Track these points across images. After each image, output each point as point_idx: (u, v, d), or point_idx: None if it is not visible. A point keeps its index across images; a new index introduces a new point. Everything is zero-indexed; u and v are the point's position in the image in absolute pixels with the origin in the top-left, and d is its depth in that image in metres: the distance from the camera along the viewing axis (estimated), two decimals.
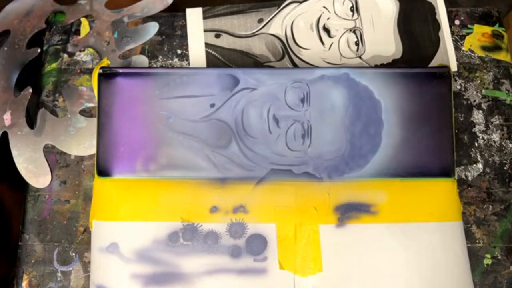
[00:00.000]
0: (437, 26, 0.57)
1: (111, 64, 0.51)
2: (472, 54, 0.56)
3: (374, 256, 0.45)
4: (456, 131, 0.53)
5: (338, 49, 0.55)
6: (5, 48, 0.55)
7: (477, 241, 0.50)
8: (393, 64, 0.55)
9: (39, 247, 0.50)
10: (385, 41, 0.56)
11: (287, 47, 0.56)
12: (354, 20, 0.56)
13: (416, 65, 0.55)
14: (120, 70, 0.48)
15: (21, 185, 0.52)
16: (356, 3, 0.57)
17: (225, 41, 0.56)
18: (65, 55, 0.56)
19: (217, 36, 0.56)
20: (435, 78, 0.47)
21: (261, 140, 0.47)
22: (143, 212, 0.46)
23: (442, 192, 0.46)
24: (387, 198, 0.46)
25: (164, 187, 0.46)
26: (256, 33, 0.56)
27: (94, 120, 0.52)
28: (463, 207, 0.50)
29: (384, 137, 0.47)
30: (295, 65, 0.55)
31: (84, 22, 0.57)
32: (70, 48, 0.56)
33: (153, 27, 0.56)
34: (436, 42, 0.56)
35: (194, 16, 0.57)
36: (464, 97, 0.54)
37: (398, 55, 0.55)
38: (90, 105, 0.54)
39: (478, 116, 0.54)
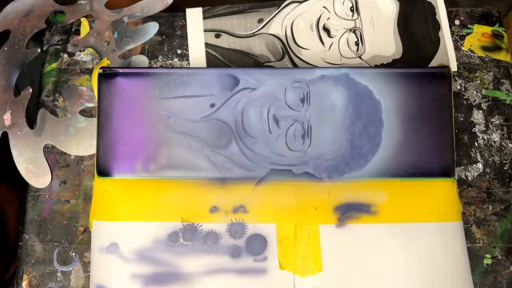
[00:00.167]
0: (437, 26, 0.57)
1: (111, 64, 0.51)
2: (472, 54, 0.56)
3: (374, 256, 0.45)
4: (456, 131, 0.53)
5: (338, 49, 0.55)
6: (5, 48, 0.55)
7: (477, 241, 0.50)
8: (393, 64, 0.55)
9: (39, 247, 0.50)
10: (385, 41, 0.56)
11: (287, 47, 0.56)
12: (354, 20, 0.56)
13: (416, 65, 0.55)
14: (120, 70, 0.48)
15: (21, 185, 0.52)
16: (356, 3, 0.57)
17: (225, 41, 0.56)
18: (65, 55, 0.56)
19: (217, 36, 0.56)
20: (435, 78, 0.47)
21: (261, 140, 0.47)
22: (143, 212, 0.46)
23: (442, 192, 0.46)
24: (387, 198, 0.46)
25: (164, 187, 0.46)
26: (256, 33, 0.56)
27: (94, 120, 0.52)
28: (463, 207, 0.50)
29: (384, 137, 0.47)
30: (295, 65, 0.55)
31: (84, 22, 0.57)
32: (70, 48, 0.56)
33: (153, 27, 0.56)
34: (436, 42, 0.56)
35: (194, 16, 0.57)
36: (464, 97, 0.54)
37: (398, 55, 0.55)
38: (90, 105, 0.54)
39: (478, 116, 0.54)
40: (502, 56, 0.55)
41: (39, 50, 0.55)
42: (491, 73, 0.55)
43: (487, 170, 0.52)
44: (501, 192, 0.52)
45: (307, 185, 0.46)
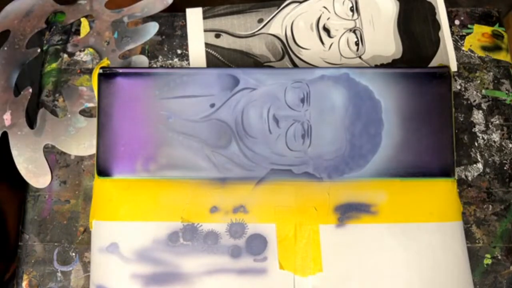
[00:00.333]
0: (437, 26, 0.57)
1: (111, 64, 0.51)
2: (472, 54, 0.56)
3: (374, 256, 0.45)
4: (456, 131, 0.53)
5: (338, 49, 0.55)
6: (5, 48, 0.55)
7: (477, 241, 0.50)
8: (393, 64, 0.55)
9: (39, 247, 0.50)
10: (385, 41, 0.56)
11: (287, 47, 0.56)
12: (354, 20, 0.56)
13: (416, 65, 0.55)
14: (120, 70, 0.48)
15: (21, 185, 0.52)
16: (356, 3, 0.57)
17: (225, 41, 0.56)
18: (65, 55, 0.56)
19: (217, 36, 0.56)
20: (435, 78, 0.47)
21: (261, 140, 0.47)
22: (143, 212, 0.46)
23: (442, 192, 0.46)
24: (387, 198, 0.46)
25: (164, 187, 0.46)
26: (256, 33, 0.56)
27: (94, 120, 0.52)
28: (463, 207, 0.50)
29: (384, 137, 0.47)
30: (295, 65, 0.55)
31: (84, 22, 0.57)
32: (70, 48, 0.56)
33: (153, 27, 0.56)
34: (436, 42, 0.56)
35: (194, 16, 0.57)
36: (464, 97, 0.54)
37: (398, 55, 0.55)
38: (90, 105, 0.54)
39: (478, 116, 0.54)
40: (502, 56, 0.55)
41: (39, 50, 0.55)
42: (491, 73, 0.55)
43: (487, 170, 0.52)
44: (501, 192, 0.52)
45: (307, 185, 0.46)
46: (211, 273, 0.45)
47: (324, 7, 0.57)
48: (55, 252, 0.50)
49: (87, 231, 0.51)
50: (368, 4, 0.57)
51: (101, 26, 0.57)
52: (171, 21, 0.57)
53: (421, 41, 0.56)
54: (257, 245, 0.45)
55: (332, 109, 0.47)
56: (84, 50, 0.56)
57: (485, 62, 0.55)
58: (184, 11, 0.57)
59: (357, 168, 0.46)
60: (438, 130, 0.47)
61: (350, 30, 0.56)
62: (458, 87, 0.54)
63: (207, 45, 0.56)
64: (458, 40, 0.56)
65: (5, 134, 0.52)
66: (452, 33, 0.56)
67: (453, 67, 0.55)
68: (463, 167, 0.52)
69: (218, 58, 0.55)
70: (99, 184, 0.47)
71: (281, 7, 0.57)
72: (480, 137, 0.53)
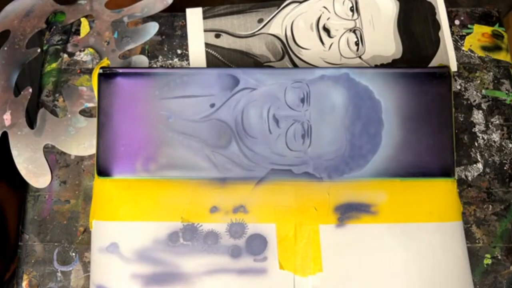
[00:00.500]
0: (437, 26, 0.57)
1: (111, 64, 0.51)
2: (472, 54, 0.56)
3: (374, 256, 0.45)
4: (456, 131, 0.53)
5: (338, 49, 0.55)
6: (5, 48, 0.55)
7: (477, 241, 0.50)
8: (393, 64, 0.55)
9: (39, 247, 0.50)
10: (385, 41, 0.56)
11: (287, 47, 0.56)
12: (354, 20, 0.56)
13: (416, 65, 0.55)
14: (120, 70, 0.48)
15: (21, 185, 0.52)
16: (356, 3, 0.57)
17: (225, 41, 0.56)
18: (65, 55, 0.56)
19: (217, 36, 0.56)
20: (435, 78, 0.47)
21: (261, 140, 0.47)
22: (143, 212, 0.46)
23: (442, 192, 0.46)
24: (387, 198, 0.46)
25: (164, 187, 0.46)
26: (256, 33, 0.56)
27: (94, 120, 0.52)
28: (463, 207, 0.50)
29: (384, 137, 0.47)
30: (295, 65, 0.55)
31: (84, 22, 0.57)
32: (70, 48, 0.56)
33: (153, 27, 0.56)
34: (436, 42, 0.56)
35: (194, 16, 0.57)
36: (464, 97, 0.54)
37: (398, 55, 0.55)
38: (90, 105, 0.54)
39: (478, 116, 0.54)
40: (502, 56, 0.55)
41: (39, 50, 0.55)
42: (491, 73, 0.55)
43: (487, 170, 0.52)
44: (501, 192, 0.52)
45: (307, 185, 0.46)
46: (211, 273, 0.45)
47: (324, 7, 0.57)
48: (55, 252, 0.50)
49: (87, 231, 0.51)
50: (368, 4, 0.57)
51: (101, 26, 0.57)
52: (171, 21, 0.57)
53: (421, 41, 0.56)
54: (257, 245, 0.45)
55: (332, 109, 0.47)
56: (84, 50, 0.56)
57: (485, 62, 0.55)
58: (184, 11, 0.57)
59: (357, 168, 0.46)
60: (438, 130, 0.47)
61: (350, 30, 0.56)
62: (458, 87, 0.54)
63: (207, 45, 0.56)
64: (458, 40, 0.56)
65: (5, 134, 0.52)
66: (452, 33, 0.56)
67: (453, 67, 0.55)
68: (463, 167, 0.52)
69: (218, 58, 0.55)
70: (99, 184, 0.47)
71: (281, 7, 0.57)
72: (480, 137, 0.53)
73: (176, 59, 0.56)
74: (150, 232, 0.45)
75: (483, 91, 0.54)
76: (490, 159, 0.52)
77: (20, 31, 0.56)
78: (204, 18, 0.57)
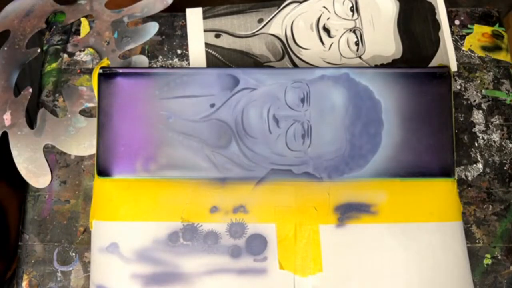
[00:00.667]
0: (437, 26, 0.57)
1: (111, 64, 0.51)
2: (472, 54, 0.56)
3: (374, 256, 0.45)
4: (456, 131, 0.53)
5: (338, 49, 0.55)
6: (5, 48, 0.55)
7: (477, 241, 0.50)
8: (393, 64, 0.55)
9: (39, 247, 0.50)
10: (385, 41, 0.56)
11: (287, 47, 0.56)
12: (354, 20, 0.56)
13: (416, 65, 0.55)
14: (120, 70, 0.48)
15: (21, 185, 0.52)
16: (356, 3, 0.57)
17: (225, 41, 0.56)
18: (65, 55, 0.56)
19: (217, 36, 0.56)
20: (435, 78, 0.47)
21: (261, 140, 0.47)
22: (143, 212, 0.46)
23: (442, 192, 0.46)
24: (387, 198, 0.46)
25: (164, 187, 0.46)
26: (256, 33, 0.56)
27: (94, 120, 0.52)
28: (463, 207, 0.50)
29: (384, 137, 0.47)
30: (295, 65, 0.55)
31: (84, 22, 0.57)
32: (70, 48, 0.56)
33: (153, 27, 0.56)
34: (436, 42, 0.56)
35: (194, 16, 0.57)
36: (464, 97, 0.54)
37: (398, 55, 0.55)
38: (90, 105, 0.54)
39: (478, 116, 0.54)
40: (502, 56, 0.55)
41: (39, 50, 0.55)
42: (491, 73, 0.55)
43: (487, 170, 0.52)
44: (501, 192, 0.52)
45: (307, 185, 0.46)
46: (211, 273, 0.45)
47: (324, 7, 0.57)
48: (55, 252, 0.50)
49: (87, 231, 0.51)
50: (368, 4, 0.57)
51: (101, 26, 0.57)
52: (171, 21, 0.57)
53: (421, 41, 0.56)
54: (257, 245, 0.45)
55: (332, 109, 0.47)
56: (84, 50, 0.56)
57: (485, 62, 0.55)
58: (184, 11, 0.57)
59: (357, 168, 0.46)
60: (438, 130, 0.47)
61: (350, 30, 0.56)
62: (458, 87, 0.54)
63: (207, 45, 0.56)
64: (458, 40, 0.56)
65: (5, 134, 0.52)
66: (452, 33, 0.56)
67: (453, 67, 0.55)
68: (463, 167, 0.52)
69: (218, 58, 0.55)
70: (99, 184, 0.47)
71: (281, 7, 0.57)
72: (480, 137, 0.53)
73: (176, 59, 0.56)
74: (150, 232, 0.45)
75: (483, 91, 0.54)
76: (490, 159, 0.52)
77: (20, 31, 0.56)
78: (204, 18, 0.57)
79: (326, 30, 0.56)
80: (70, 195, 0.52)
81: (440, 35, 0.56)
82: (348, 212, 0.46)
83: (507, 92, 0.54)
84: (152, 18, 0.57)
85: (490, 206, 0.51)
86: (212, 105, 0.47)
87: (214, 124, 0.47)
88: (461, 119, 0.53)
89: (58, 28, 0.57)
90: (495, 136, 0.53)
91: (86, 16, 0.57)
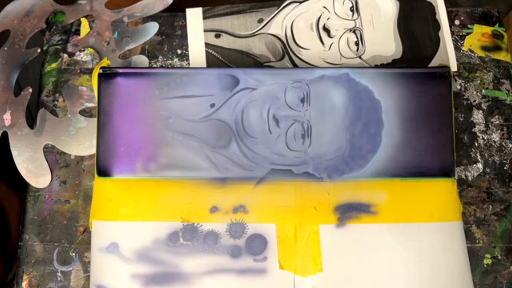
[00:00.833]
0: (437, 26, 0.57)
1: (111, 64, 0.51)
2: (472, 54, 0.56)
3: (374, 256, 0.45)
4: (456, 131, 0.53)
5: (338, 49, 0.55)
6: (5, 48, 0.55)
7: (477, 241, 0.50)
8: (393, 64, 0.55)
9: (39, 247, 0.50)
10: (385, 41, 0.56)
11: (287, 47, 0.56)
12: (354, 20, 0.56)
13: (416, 65, 0.55)
14: (120, 70, 0.48)
15: (21, 185, 0.52)
16: (356, 3, 0.57)
17: (225, 41, 0.56)
18: (65, 55, 0.56)
19: (217, 36, 0.56)
20: (435, 78, 0.47)
21: (261, 140, 0.47)
22: (143, 212, 0.46)
23: (442, 192, 0.46)
24: (387, 198, 0.46)
25: (164, 187, 0.46)
26: (256, 33, 0.56)
27: (94, 120, 0.52)
28: (463, 207, 0.50)
29: (384, 137, 0.47)
30: (295, 65, 0.55)
31: (84, 22, 0.57)
32: (70, 48, 0.56)
33: (153, 27, 0.56)
34: (436, 42, 0.56)
35: (194, 16, 0.57)
36: (464, 97, 0.54)
37: (398, 55, 0.55)
38: (90, 105, 0.54)
39: (478, 116, 0.54)
40: (502, 56, 0.55)
41: (39, 50, 0.55)
42: (491, 73, 0.55)
43: (487, 170, 0.52)
44: (501, 192, 0.52)
45: (307, 185, 0.46)
46: (211, 273, 0.45)
47: (324, 7, 0.57)
48: (55, 252, 0.50)
49: (87, 231, 0.51)
50: (368, 4, 0.57)
51: (101, 26, 0.57)
52: (171, 21, 0.57)
53: (421, 41, 0.56)
54: (257, 245, 0.45)
55: (332, 109, 0.47)
56: (84, 50, 0.56)
57: (485, 62, 0.55)
58: (184, 11, 0.57)
59: (357, 168, 0.46)
60: (438, 130, 0.47)
61: (350, 30, 0.56)
62: (458, 87, 0.54)
63: (207, 45, 0.56)
64: (458, 40, 0.56)
65: (5, 134, 0.52)
66: (452, 33, 0.56)
67: (453, 67, 0.55)
68: (463, 167, 0.52)
69: (218, 58, 0.55)
70: (99, 184, 0.47)
71: (281, 7, 0.57)
72: (480, 137, 0.53)
73: (176, 59, 0.56)
74: (150, 232, 0.45)
75: (483, 91, 0.54)
76: (490, 159, 0.52)
77: (20, 31, 0.56)
78: (204, 18, 0.57)
79: (326, 30, 0.56)
80: (70, 195, 0.52)
81: (440, 35, 0.56)
82: (348, 212, 0.46)
83: (507, 92, 0.54)
84: (152, 18, 0.57)
85: (490, 206, 0.51)
86: (212, 105, 0.47)
87: (214, 124, 0.47)
88: (461, 119, 0.53)
89: (58, 28, 0.57)
90: (495, 136, 0.53)
91: (86, 16, 0.57)
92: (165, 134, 0.47)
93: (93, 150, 0.52)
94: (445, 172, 0.46)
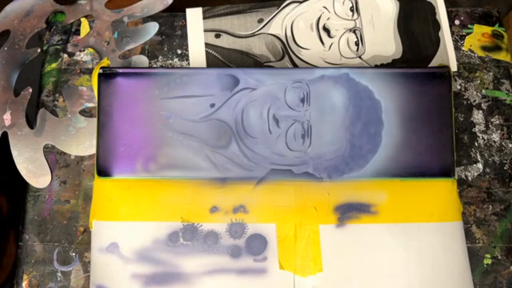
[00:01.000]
0: (437, 26, 0.57)
1: (111, 64, 0.51)
2: (472, 54, 0.56)
3: (374, 256, 0.45)
4: (456, 131, 0.53)
5: (338, 49, 0.55)
6: (5, 48, 0.55)
7: (477, 241, 0.50)
8: (393, 64, 0.55)
9: (39, 247, 0.50)
10: (385, 41, 0.56)
11: (287, 47, 0.56)
12: (354, 20, 0.56)
13: (416, 65, 0.55)
14: (120, 70, 0.48)
15: (21, 185, 0.52)
16: (356, 3, 0.57)
17: (225, 41, 0.56)
18: (65, 55, 0.56)
19: (217, 36, 0.56)
20: (435, 78, 0.47)
21: (261, 140, 0.47)
22: (143, 212, 0.46)
23: (442, 192, 0.46)
24: (387, 198, 0.46)
25: (164, 187, 0.46)
26: (256, 33, 0.56)
27: (94, 120, 0.52)
28: (463, 207, 0.50)
29: (384, 137, 0.47)
30: (295, 65, 0.55)
31: (84, 22, 0.57)
32: (70, 48, 0.56)
33: (153, 27, 0.56)
34: (436, 42, 0.56)
35: (194, 16, 0.57)
36: (464, 97, 0.54)
37: (398, 55, 0.55)
38: (90, 105, 0.54)
39: (478, 116, 0.54)
40: (502, 56, 0.55)
41: (39, 50, 0.55)
42: (491, 73, 0.55)
43: (487, 170, 0.52)
44: (501, 192, 0.52)
45: (307, 185, 0.46)
46: (211, 273, 0.45)
47: (324, 7, 0.57)
48: (55, 252, 0.50)
49: (87, 231, 0.51)
50: (368, 4, 0.57)
51: (101, 26, 0.57)
52: (171, 21, 0.57)
53: (421, 41, 0.56)
54: (257, 245, 0.45)
55: (332, 109, 0.47)
56: (84, 50, 0.56)
57: (485, 62, 0.55)
58: (184, 11, 0.57)
59: (357, 168, 0.46)
60: (438, 130, 0.47)
61: (350, 30, 0.56)
62: (458, 87, 0.54)
63: (207, 45, 0.56)
64: (458, 40, 0.56)
65: (5, 134, 0.52)
66: (452, 33, 0.56)
67: (453, 67, 0.55)
68: (463, 167, 0.52)
69: (218, 58, 0.55)
70: (99, 184, 0.47)
71: (281, 7, 0.57)
72: (480, 137, 0.53)
73: (176, 59, 0.56)
74: (150, 232, 0.45)
75: (483, 91, 0.54)
76: (490, 159, 0.52)
77: (20, 31, 0.56)
78: (204, 18, 0.57)
79: (326, 30, 0.56)
80: (70, 195, 0.52)
81: (440, 35, 0.56)
82: (348, 212, 0.46)
83: (507, 92, 0.54)
84: (152, 18, 0.57)
85: (490, 206, 0.51)
86: (212, 105, 0.47)
87: (214, 124, 0.47)
88: (461, 119, 0.53)
89: (58, 28, 0.57)
90: (495, 136, 0.53)
91: (86, 16, 0.57)
92: (165, 134, 0.47)
93: (93, 150, 0.52)
94: (445, 172, 0.46)
